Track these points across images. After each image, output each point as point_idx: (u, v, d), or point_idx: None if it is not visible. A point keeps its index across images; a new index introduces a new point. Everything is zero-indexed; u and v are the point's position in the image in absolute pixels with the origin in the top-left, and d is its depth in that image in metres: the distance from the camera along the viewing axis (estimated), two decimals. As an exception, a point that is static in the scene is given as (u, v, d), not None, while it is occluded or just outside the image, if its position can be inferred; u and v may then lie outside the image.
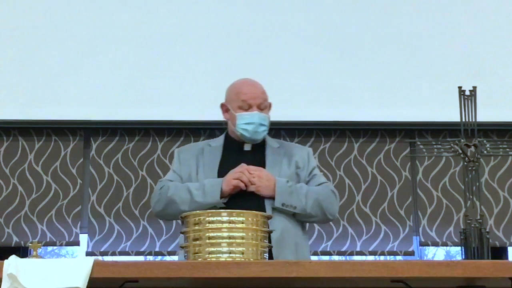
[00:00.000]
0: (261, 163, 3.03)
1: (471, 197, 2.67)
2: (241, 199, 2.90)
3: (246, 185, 2.92)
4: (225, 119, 3.15)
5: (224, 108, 3.13)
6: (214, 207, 2.87)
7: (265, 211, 2.87)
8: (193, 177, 3.04)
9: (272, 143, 3.14)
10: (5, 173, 4.28)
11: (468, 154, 2.71)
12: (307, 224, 3.12)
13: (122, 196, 4.28)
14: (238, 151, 3.08)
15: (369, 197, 4.32)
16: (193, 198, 2.93)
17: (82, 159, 4.32)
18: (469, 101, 2.75)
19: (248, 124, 3.02)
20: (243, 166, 2.94)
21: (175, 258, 4.20)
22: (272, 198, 2.93)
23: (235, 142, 3.10)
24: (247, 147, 3.09)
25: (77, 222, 4.25)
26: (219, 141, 3.15)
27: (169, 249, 4.23)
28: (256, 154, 3.07)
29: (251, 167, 2.95)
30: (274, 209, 2.91)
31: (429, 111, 4.28)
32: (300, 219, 3.00)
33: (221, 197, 2.91)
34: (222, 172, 2.99)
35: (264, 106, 3.05)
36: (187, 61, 4.30)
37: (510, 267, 2.18)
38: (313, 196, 2.97)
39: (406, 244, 4.27)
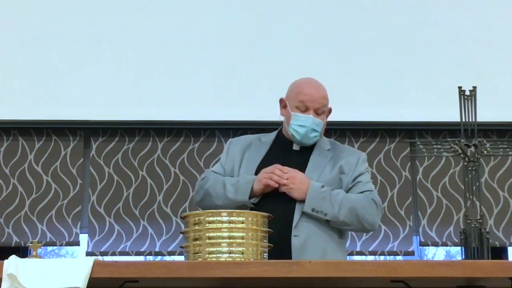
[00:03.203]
0: (304, 164, 2.94)
1: (471, 197, 2.68)
2: (272, 200, 2.83)
3: (278, 185, 2.83)
4: (281, 115, 3.04)
5: (283, 103, 3.02)
6: (245, 206, 2.81)
7: (293, 215, 2.83)
8: (235, 171, 2.97)
9: (324, 144, 3.02)
10: (5, 173, 4.28)
11: (468, 154, 2.71)
12: (345, 231, 3.00)
13: (122, 196, 4.28)
14: (285, 149, 2.99)
15: (369, 197, 4.31)
16: (226, 194, 2.87)
17: (82, 159, 4.32)
18: (469, 101, 2.75)
19: (300, 126, 2.92)
20: (276, 166, 2.85)
21: (175, 258, 4.20)
22: (304, 201, 2.83)
23: (285, 140, 3.01)
24: (296, 147, 2.99)
25: (77, 222, 4.25)
26: (270, 136, 3.06)
27: (169, 249, 4.23)
28: (302, 155, 2.97)
29: (286, 168, 2.86)
30: (304, 213, 2.84)
31: (429, 111, 4.28)
32: (334, 226, 2.88)
33: (251, 196, 2.84)
34: (262, 168, 2.89)
35: (321, 111, 2.94)
36: (187, 61, 4.30)
37: (510, 267, 2.18)
38: (348, 204, 2.84)
39: (406, 244, 4.27)
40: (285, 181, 2.83)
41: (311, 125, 2.92)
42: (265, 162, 2.94)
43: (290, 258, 2.75)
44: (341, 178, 2.94)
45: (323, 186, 2.85)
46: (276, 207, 2.72)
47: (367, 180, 2.98)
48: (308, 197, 2.82)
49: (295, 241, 2.80)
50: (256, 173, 2.90)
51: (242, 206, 2.81)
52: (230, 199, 2.85)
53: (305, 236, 2.81)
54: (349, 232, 3.99)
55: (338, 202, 2.84)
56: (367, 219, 2.88)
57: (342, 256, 2.97)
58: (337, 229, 2.91)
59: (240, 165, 2.98)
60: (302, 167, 2.91)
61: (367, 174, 3.02)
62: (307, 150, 2.99)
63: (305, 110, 2.93)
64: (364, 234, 4.24)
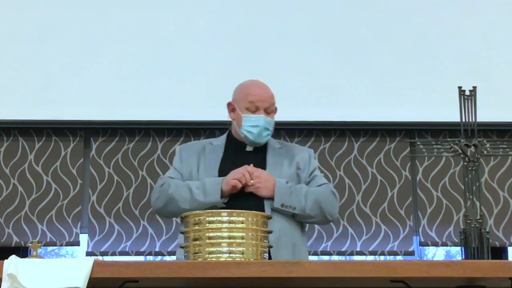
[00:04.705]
0: (262, 164, 3.02)
1: (471, 197, 2.68)
2: (241, 199, 2.89)
3: (244, 186, 2.91)
4: (230, 119, 3.13)
5: (231, 107, 3.10)
6: (215, 207, 2.87)
7: (264, 212, 2.86)
8: (193, 175, 3.03)
9: (273, 143, 3.12)
10: (5, 173, 4.28)
11: (468, 154, 2.71)
12: (307, 225, 3.11)
13: (122, 196, 4.28)
14: (239, 151, 3.07)
15: (369, 197, 4.32)
16: (194, 197, 2.92)
17: (82, 159, 4.32)
18: (469, 101, 2.75)
19: (253, 126, 3.00)
20: (245, 168, 2.93)
21: (175, 258, 4.20)
22: (271, 198, 2.92)
23: (237, 142, 3.09)
24: (249, 148, 3.08)
25: (77, 222, 4.25)
26: (221, 140, 3.15)
27: (169, 249, 4.23)
28: (258, 155, 3.06)
29: (251, 167, 2.94)
30: (273, 209, 2.91)
31: (429, 111, 4.28)
32: (300, 219, 3.00)
33: (221, 197, 2.91)
34: (222, 171, 2.98)
35: (270, 110, 3.04)
36: (187, 61, 4.30)
37: (510, 267, 2.18)
38: (312, 197, 2.96)
39: (406, 244, 4.27)
40: (252, 181, 2.91)
41: (263, 124, 3.01)
42: (225, 164, 3.02)
43: (268, 253, 2.78)
44: (298, 174, 3.04)
45: (287, 182, 2.95)
46: (246, 205, 2.73)
47: (321, 174, 3.12)
48: (276, 193, 2.91)
49: (271, 237, 2.82)
50: (219, 175, 2.97)
51: (212, 207, 2.86)
52: (199, 201, 2.91)
53: (278, 232, 2.85)
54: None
55: (304, 196, 2.95)
56: (329, 210, 3.00)
57: (306, 250, 3.09)
58: (300, 223, 3.01)
59: (198, 169, 3.04)
60: (260, 167, 2.98)
61: (318, 168, 3.16)
62: (260, 151, 3.08)
63: (255, 110, 3.01)
64: (364, 233, 4.25)
